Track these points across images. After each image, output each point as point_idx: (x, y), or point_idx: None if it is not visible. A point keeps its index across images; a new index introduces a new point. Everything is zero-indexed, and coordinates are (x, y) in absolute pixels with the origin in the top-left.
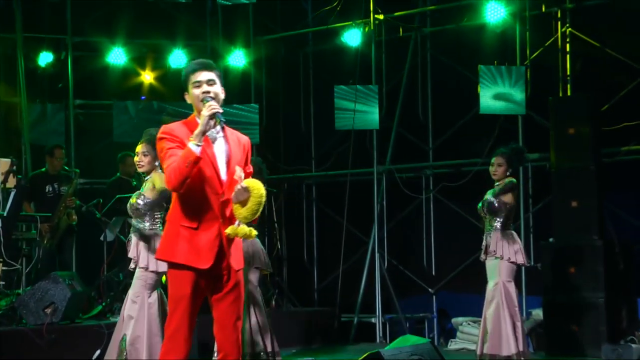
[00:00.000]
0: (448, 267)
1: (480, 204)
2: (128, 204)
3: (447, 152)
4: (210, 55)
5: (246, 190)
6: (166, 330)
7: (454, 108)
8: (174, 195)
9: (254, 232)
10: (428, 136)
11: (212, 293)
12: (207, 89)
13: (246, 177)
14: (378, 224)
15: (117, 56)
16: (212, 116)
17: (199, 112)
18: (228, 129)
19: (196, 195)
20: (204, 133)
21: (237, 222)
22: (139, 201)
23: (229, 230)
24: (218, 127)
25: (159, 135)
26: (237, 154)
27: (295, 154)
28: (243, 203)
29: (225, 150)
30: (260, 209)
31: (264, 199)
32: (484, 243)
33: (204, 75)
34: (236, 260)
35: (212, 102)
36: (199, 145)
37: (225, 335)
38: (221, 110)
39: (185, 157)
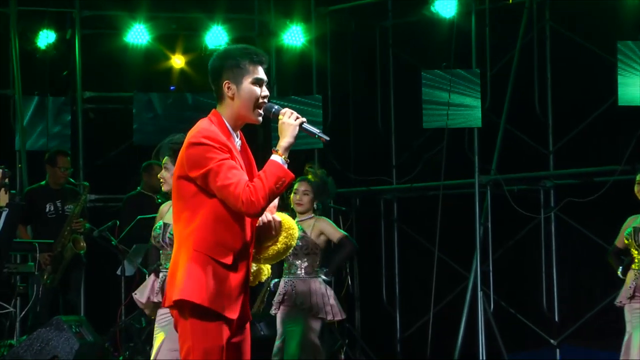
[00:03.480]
0: (576, 311)
1: (628, 230)
2: (163, 235)
3: (574, 157)
4: (259, 33)
5: (279, 227)
6: None
7: (582, 98)
8: (205, 219)
9: (268, 268)
10: (547, 136)
11: None
12: (267, 92)
13: None
14: (481, 252)
15: (138, 35)
16: (300, 126)
17: (246, 110)
18: (241, 135)
19: (236, 220)
20: (291, 146)
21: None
22: (160, 232)
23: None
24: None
25: (196, 139)
26: (256, 167)
27: (370, 160)
28: (267, 240)
29: (249, 162)
30: (283, 256)
31: (294, 243)
32: (631, 284)
33: (264, 73)
34: (248, 307)
35: (290, 110)
36: (288, 162)
37: None
38: (304, 121)
39: (278, 177)
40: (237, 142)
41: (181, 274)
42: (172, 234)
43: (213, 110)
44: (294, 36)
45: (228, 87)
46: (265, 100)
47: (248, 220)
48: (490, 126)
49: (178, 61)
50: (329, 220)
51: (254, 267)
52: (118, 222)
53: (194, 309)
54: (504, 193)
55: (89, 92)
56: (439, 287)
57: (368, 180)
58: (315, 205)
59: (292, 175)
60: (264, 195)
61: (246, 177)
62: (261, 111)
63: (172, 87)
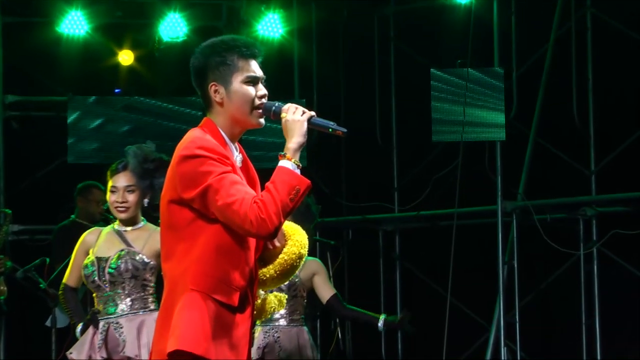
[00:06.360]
0: None
1: None
2: (101, 271)
3: (621, 178)
4: (227, 21)
5: (280, 237)
6: None
7: (632, 106)
8: (205, 251)
9: (284, 298)
10: (589, 152)
11: None
12: (264, 91)
13: None
14: (505, 298)
15: (74, 24)
16: (309, 122)
17: (242, 114)
18: (241, 148)
19: (242, 250)
20: (301, 147)
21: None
22: (95, 269)
23: (257, 304)
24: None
25: (189, 151)
26: (260, 188)
27: (366, 182)
28: (270, 257)
29: (253, 181)
30: (295, 272)
31: (304, 251)
32: None
33: (259, 69)
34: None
35: (294, 104)
36: (300, 167)
37: None
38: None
39: (290, 186)
40: (237, 156)
41: (177, 319)
42: (112, 268)
43: (205, 118)
44: (271, 26)
45: (215, 91)
46: (264, 100)
47: (253, 250)
48: (517, 140)
49: (125, 57)
50: (322, 265)
51: (274, 298)
52: (48, 260)
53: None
54: (534, 223)
55: (12, 95)
56: (452, 341)
57: (364, 207)
58: None
59: (307, 181)
60: (276, 211)
61: (253, 192)
62: (261, 112)
63: (117, 90)
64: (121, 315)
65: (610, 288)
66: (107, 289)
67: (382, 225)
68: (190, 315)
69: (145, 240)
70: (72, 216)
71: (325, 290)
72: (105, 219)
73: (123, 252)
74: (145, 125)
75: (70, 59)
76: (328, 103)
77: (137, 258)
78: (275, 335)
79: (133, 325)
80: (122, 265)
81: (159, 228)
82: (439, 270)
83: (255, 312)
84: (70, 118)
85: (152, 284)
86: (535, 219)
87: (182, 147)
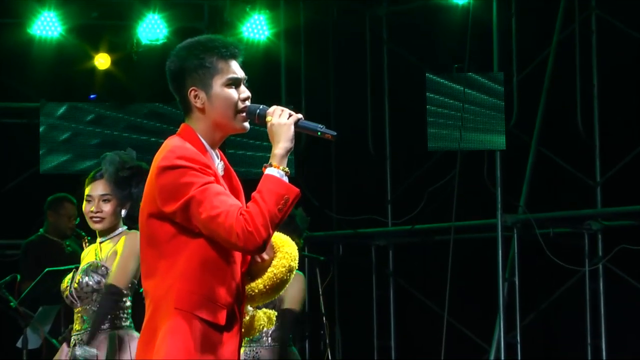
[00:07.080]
0: None
1: None
2: (70, 286)
3: (628, 190)
4: (209, 23)
5: (268, 249)
6: None
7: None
8: (189, 268)
9: (274, 315)
10: (594, 162)
11: None
12: (247, 92)
13: None
14: (505, 317)
15: (47, 25)
16: (296, 125)
17: (225, 119)
18: (222, 155)
19: (228, 265)
20: (289, 153)
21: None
22: (96, 278)
23: (245, 321)
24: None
25: (168, 161)
26: (244, 197)
27: (357, 193)
28: (257, 271)
29: (236, 191)
30: (285, 286)
31: (295, 264)
32: None
33: (240, 69)
34: None
35: (279, 107)
36: (288, 175)
37: None
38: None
39: (278, 195)
40: (218, 163)
41: (160, 342)
42: (77, 283)
43: (183, 124)
44: (257, 27)
45: (195, 96)
46: (247, 102)
47: (239, 264)
48: (518, 149)
49: (101, 61)
50: (304, 278)
51: (263, 315)
52: (19, 277)
53: None
54: (536, 238)
55: None
56: None
57: (355, 220)
58: None
59: (296, 190)
60: (264, 223)
61: (238, 203)
62: (245, 115)
63: (92, 96)
64: (85, 332)
65: (617, 306)
66: (78, 305)
67: (374, 239)
68: (173, 338)
69: (111, 249)
70: (41, 230)
71: (286, 301)
72: (77, 234)
73: (86, 265)
74: (116, 138)
75: (43, 62)
76: (317, 109)
77: (99, 271)
78: (256, 355)
79: (93, 344)
80: (84, 279)
81: (132, 232)
82: (435, 288)
83: (243, 330)
84: (43, 126)
85: (121, 299)
86: (537, 233)
87: (161, 157)
